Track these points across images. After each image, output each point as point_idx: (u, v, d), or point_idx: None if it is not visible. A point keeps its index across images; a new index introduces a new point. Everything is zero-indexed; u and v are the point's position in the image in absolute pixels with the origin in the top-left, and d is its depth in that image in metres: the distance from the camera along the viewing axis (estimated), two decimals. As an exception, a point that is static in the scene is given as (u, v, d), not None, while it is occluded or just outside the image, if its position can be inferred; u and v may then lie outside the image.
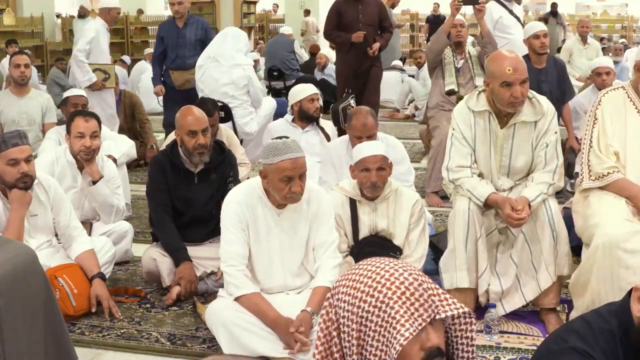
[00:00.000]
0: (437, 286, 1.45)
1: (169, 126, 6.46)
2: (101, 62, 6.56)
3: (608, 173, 3.03)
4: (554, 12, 12.92)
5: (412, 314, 1.37)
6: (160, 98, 6.62)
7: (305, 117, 5.00)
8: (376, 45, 6.58)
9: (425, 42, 15.72)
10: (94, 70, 6.43)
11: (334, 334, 1.45)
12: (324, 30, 7.01)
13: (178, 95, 6.31)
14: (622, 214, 2.92)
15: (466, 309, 1.45)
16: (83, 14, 12.11)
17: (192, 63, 6.21)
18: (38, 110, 5.57)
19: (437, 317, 1.40)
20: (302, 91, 5.03)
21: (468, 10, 5.54)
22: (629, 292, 1.80)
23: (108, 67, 6.60)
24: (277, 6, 19.65)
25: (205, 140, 3.69)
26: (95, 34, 6.51)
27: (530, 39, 5.26)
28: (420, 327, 1.37)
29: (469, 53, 5.33)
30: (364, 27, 6.54)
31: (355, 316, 1.41)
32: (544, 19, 12.41)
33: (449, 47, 5.35)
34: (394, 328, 1.36)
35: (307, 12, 16.51)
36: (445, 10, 14.12)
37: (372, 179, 3.29)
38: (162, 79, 6.47)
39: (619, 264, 2.77)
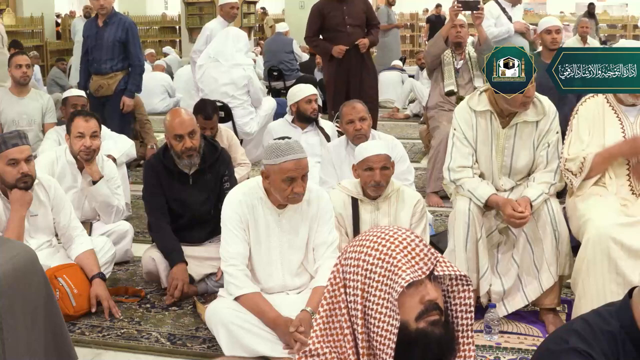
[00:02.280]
0: (437, 251, 1.56)
1: None
2: None
3: (581, 163, 3.06)
4: (591, 13, 12.26)
5: (413, 265, 1.49)
6: None
7: (302, 118, 5.00)
8: (364, 41, 6.01)
9: (425, 42, 15.69)
10: None
11: (341, 290, 1.55)
12: (305, 35, 6.30)
13: (94, 104, 5.62)
14: (612, 208, 2.97)
15: (463, 273, 1.57)
16: (87, 14, 12.09)
17: (109, 67, 5.65)
18: (38, 110, 5.56)
19: (436, 272, 1.51)
20: (299, 92, 5.03)
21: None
22: (629, 293, 1.79)
23: None
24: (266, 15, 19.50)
25: (193, 143, 3.64)
26: (210, 33, 6.41)
27: (542, 33, 5.20)
28: (420, 278, 1.48)
29: (469, 54, 5.33)
30: (352, 29, 6.05)
31: (360, 269, 1.52)
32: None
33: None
34: (396, 274, 1.48)
35: (264, 14, 16.53)
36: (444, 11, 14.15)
37: (376, 178, 3.29)
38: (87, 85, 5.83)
39: (609, 255, 2.81)
